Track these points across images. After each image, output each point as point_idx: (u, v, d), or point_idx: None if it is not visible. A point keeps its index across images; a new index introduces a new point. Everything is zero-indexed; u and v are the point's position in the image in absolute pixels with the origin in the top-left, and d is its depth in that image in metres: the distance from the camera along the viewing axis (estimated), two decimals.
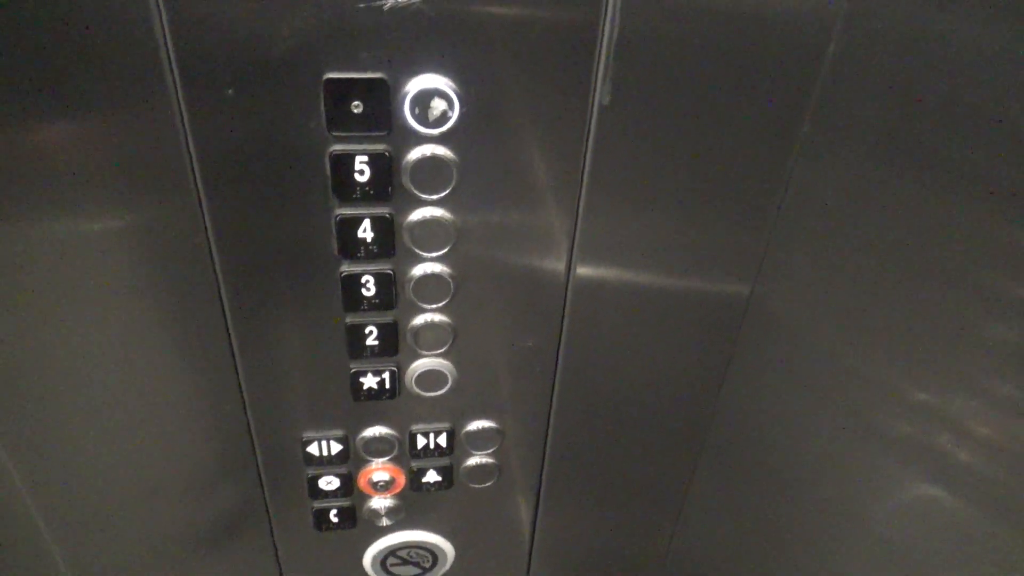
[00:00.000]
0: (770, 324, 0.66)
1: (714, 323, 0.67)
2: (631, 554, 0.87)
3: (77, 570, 0.72)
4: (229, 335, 0.59)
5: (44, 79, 0.44)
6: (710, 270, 0.63)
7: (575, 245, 0.58)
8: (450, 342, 0.62)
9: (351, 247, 0.55)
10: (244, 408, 0.64)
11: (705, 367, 0.70)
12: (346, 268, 0.56)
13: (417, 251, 0.56)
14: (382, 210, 0.53)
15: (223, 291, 0.56)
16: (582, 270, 0.60)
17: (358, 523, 0.75)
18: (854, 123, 0.52)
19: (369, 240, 0.55)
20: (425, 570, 0.81)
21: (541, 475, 0.75)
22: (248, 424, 0.65)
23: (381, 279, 0.57)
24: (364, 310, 0.58)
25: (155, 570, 0.75)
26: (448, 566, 0.81)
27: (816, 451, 0.69)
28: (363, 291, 0.57)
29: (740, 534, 0.81)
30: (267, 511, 0.72)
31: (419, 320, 0.60)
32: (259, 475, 0.69)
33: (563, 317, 0.63)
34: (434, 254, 0.56)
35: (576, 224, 0.57)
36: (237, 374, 0.61)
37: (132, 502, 0.68)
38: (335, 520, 0.73)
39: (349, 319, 0.59)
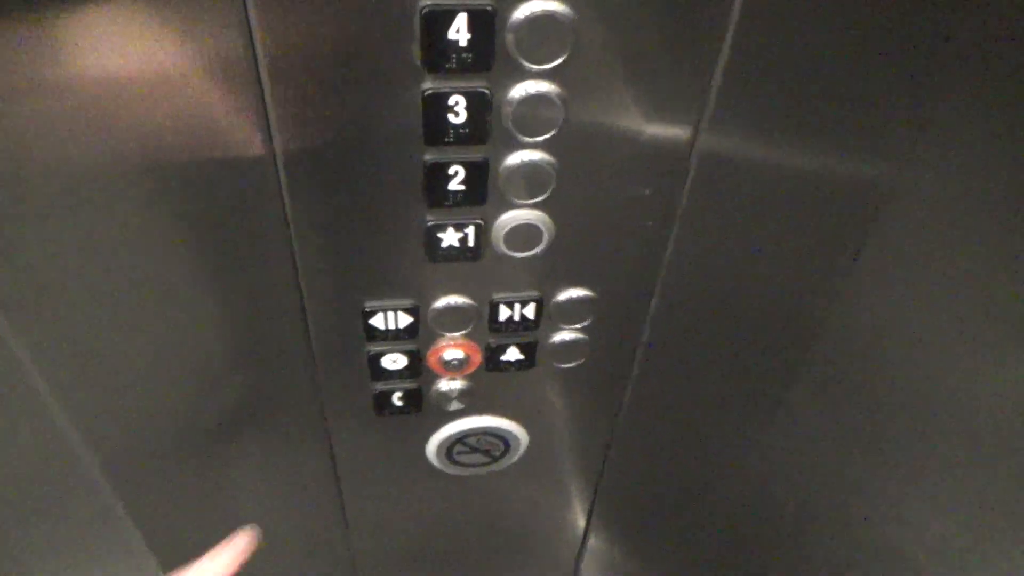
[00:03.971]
0: (908, 220, 0.54)
1: (845, 216, 0.54)
2: (719, 462, 0.78)
3: (116, 452, 0.63)
4: (278, 173, 0.46)
5: None
6: (851, 151, 0.50)
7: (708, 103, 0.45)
8: (549, 190, 0.49)
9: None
10: (295, 269, 0.52)
11: (827, 262, 0.58)
12: (430, 85, 0.43)
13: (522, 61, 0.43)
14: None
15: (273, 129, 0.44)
16: (709, 136, 0.47)
17: (424, 407, 0.65)
18: None
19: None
20: (494, 459, 0.72)
21: (634, 357, 0.65)
22: (299, 288, 0.53)
23: (474, 98, 0.44)
24: (448, 143, 0.46)
25: (195, 455, 0.66)
26: (519, 455, 0.73)
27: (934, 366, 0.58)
28: (449, 116, 0.44)
29: (840, 455, 0.72)
30: (318, 392, 0.62)
31: (514, 159, 0.47)
32: (310, 350, 0.58)
33: (688, 173, 0.50)
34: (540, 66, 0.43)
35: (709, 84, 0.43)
36: (288, 225, 0.49)
37: (164, 382, 0.58)
38: (398, 404, 0.63)
39: (430, 156, 0.46)
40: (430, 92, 0.43)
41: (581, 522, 0.88)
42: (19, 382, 0.55)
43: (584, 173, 0.50)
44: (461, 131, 0.45)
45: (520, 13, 0.41)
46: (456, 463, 0.72)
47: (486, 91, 0.44)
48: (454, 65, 0.42)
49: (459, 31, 0.41)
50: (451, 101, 0.44)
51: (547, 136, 0.46)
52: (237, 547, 0.54)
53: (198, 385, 0.59)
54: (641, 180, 0.51)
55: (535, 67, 0.43)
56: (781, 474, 0.78)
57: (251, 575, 0.60)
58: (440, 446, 0.69)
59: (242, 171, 0.46)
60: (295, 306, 0.54)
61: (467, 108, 0.44)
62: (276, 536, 0.83)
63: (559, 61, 0.43)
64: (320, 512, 0.78)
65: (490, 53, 0.42)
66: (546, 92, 0.44)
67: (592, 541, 0.92)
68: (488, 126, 0.45)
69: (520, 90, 0.44)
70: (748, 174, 0.51)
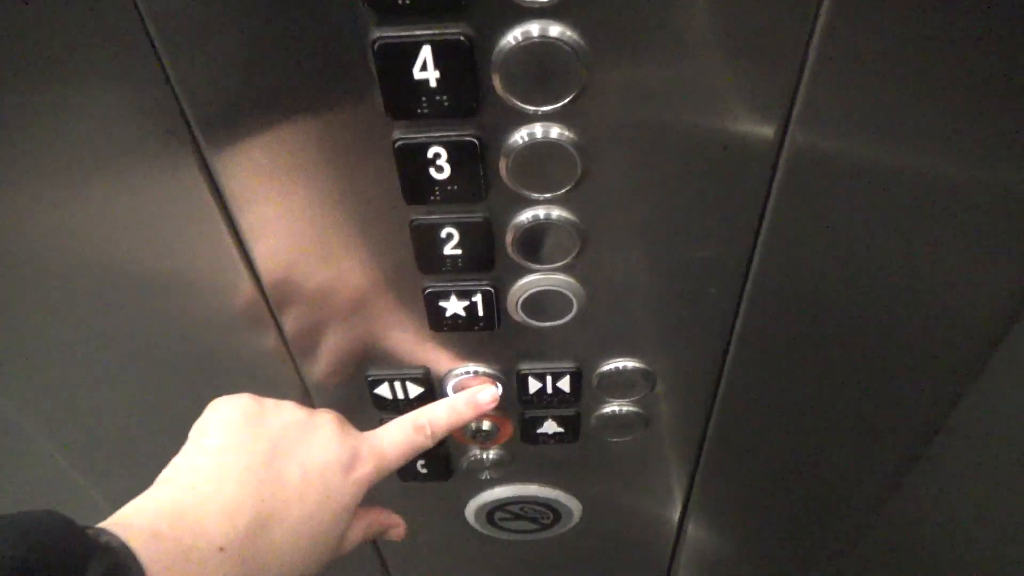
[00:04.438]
0: None
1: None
2: (818, 541, 0.65)
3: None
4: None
5: None
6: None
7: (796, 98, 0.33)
8: (574, 252, 0.39)
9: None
10: (283, 339, 0.45)
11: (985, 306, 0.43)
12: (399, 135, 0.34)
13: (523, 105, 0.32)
14: None
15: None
16: (801, 136, 0.34)
17: (454, 474, 0.57)
18: None
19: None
20: (544, 527, 0.63)
21: (706, 428, 0.53)
22: (292, 360, 0.46)
23: (460, 146, 0.34)
24: (434, 201, 0.36)
25: None
26: (573, 524, 0.63)
27: None
28: (432, 171, 0.35)
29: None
30: None
31: (525, 215, 0.37)
32: None
33: (765, 202, 0.38)
34: (553, 106, 0.32)
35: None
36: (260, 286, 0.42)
37: None
38: (423, 471, 0.55)
39: (416, 217, 0.37)
40: (401, 143, 0.34)
41: None
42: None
43: (617, 230, 0.39)
44: (449, 188, 0.36)
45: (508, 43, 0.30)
46: (500, 528, 0.63)
47: (474, 139, 0.34)
48: (426, 109, 0.32)
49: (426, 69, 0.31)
50: (430, 153, 0.34)
51: (564, 190, 0.36)
52: (483, 396, 0.47)
53: None
54: (700, 240, 0.39)
55: (533, 108, 0.33)
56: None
57: None
58: (479, 511, 0.61)
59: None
60: (292, 376, 0.47)
61: (451, 160, 0.34)
62: None
63: (565, 101, 0.32)
64: None
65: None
66: (555, 136, 0.34)
67: None
68: (482, 179, 0.35)
69: (522, 132, 0.34)
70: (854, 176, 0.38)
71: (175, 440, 0.49)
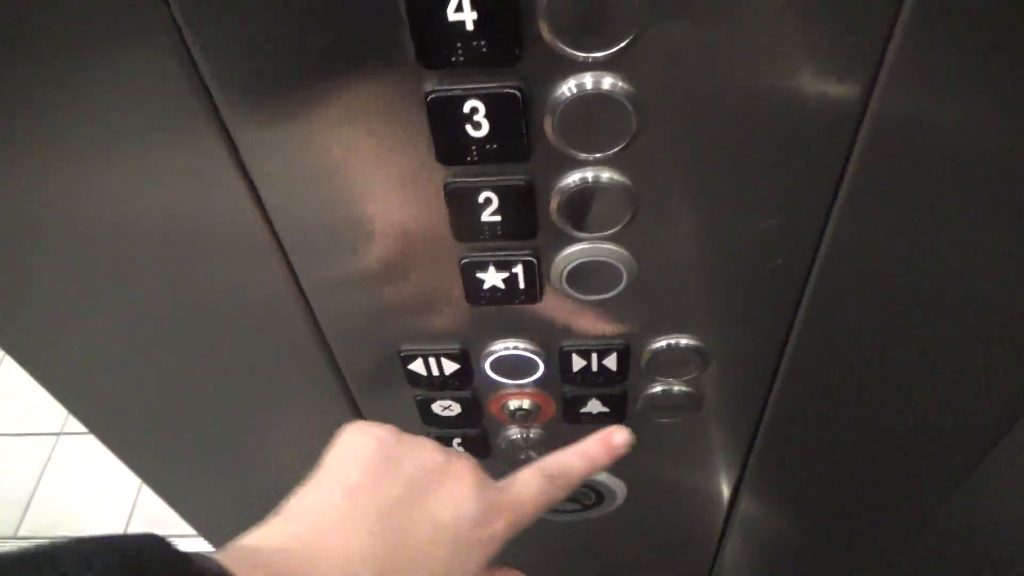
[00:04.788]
0: None
1: None
2: (874, 532, 0.61)
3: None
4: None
5: None
6: None
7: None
8: (630, 214, 0.35)
9: None
10: (311, 313, 0.42)
11: None
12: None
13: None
14: None
15: None
16: (888, 100, 0.29)
17: (493, 451, 0.54)
18: None
19: None
20: (587, 507, 0.60)
21: (762, 412, 0.49)
22: (320, 334, 0.44)
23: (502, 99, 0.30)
24: (471, 161, 0.33)
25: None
26: (617, 504, 0.60)
27: None
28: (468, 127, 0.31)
29: None
30: None
31: (572, 177, 0.34)
32: (348, 394, 0.49)
33: (843, 170, 0.33)
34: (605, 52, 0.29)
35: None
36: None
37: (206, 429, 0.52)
38: (459, 449, 0.53)
39: (450, 177, 0.34)
40: (435, 96, 0.30)
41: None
42: None
43: (673, 196, 0.35)
44: (487, 147, 0.32)
45: None
46: None
47: (516, 91, 0.30)
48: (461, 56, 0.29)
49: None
50: (467, 107, 0.31)
51: (616, 149, 0.32)
52: (618, 438, 0.44)
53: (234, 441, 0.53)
54: (766, 209, 0.35)
55: (584, 55, 0.29)
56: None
57: None
58: None
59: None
60: (319, 350, 0.45)
61: (490, 115, 0.31)
62: None
63: (619, 47, 0.28)
64: None
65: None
66: (607, 88, 0.30)
67: None
68: (524, 137, 0.32)
69: (570, 83, 0.30)
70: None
71: (197, 416, 0.47)
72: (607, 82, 0.30)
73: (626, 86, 0.30)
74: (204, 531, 0.69)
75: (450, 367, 0.45)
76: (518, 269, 0.38)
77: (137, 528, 1.89)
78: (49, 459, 2.15)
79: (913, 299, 0.39)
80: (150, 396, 0.51)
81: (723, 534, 0.66)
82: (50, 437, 2.19)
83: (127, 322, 0.44)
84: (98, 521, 1.98)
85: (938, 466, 0.54)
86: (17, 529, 2.00)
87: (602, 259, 0.37)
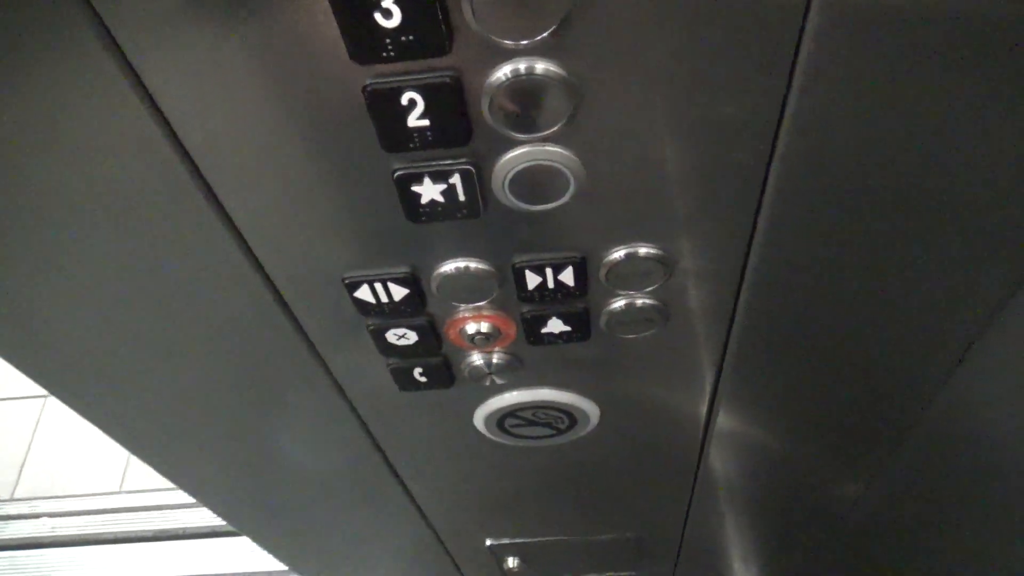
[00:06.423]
0: None
1: None
2: (858, 435, 0.60)
3: None
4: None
5: None
6: None
7: None
8: (571, 109, 0.32)
9: None
10: (244, 243, 0.39)
11: None
12: None
13: None
14: None
15: None
16: None
17: (457, 380, 0.52)
18: None
19: None
20: (560, 431, 0.59)
21: (732, 318, 0.47)
22: (259, 266, 0.41)
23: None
24: (388, 58, 0.29)
25: (212, 431, 0.59)
26: (591, 427, 0.59)
27: None
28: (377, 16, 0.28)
29: None
30: (325, 368, 0.51)
31: (503, 70, 0.30)
32: (297, 326, 0.46)
33: (797, 50, 0.30)
34: None
35: None
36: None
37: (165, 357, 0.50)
38: (421, 379, 0.51)
39: (371, 79, 0.31)
40: None
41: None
42: None
43: (620, 85, 0.32)
44: (403, 39, 0.29)
45: None
46: (513, 435, 0.59)
47: None
48: None
49: None
50: None
51: (546, 33, 0.29)
52: None
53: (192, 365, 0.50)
54: (726, 97, 0.32)
55: None
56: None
57: None
58: (488, 419, 0.57)
59: None
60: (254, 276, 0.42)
61: (402, 2, 0.27)
62: (365, 539, 0.78)
63: None
64: (389, 500, 0.70)
65: None
66: None
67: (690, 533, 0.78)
68: (442, 23, 0.28)
69: None
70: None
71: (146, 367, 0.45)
72: None
73: None
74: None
75: (399, 292, 0.42)
76: (455, 179, 0.35)
77: (132, 486, 1.90)
78: (39, 421, 2.15)
79: (881, 189, 0.37)
80: (111, 353, 0.48)
81: (702, 449, 0.65)
82: (38, 400, 2.18)
83: (79, 282, 0.41)
84: (94, 480, 1.98)
85: (916, 370, 0.53)
86: (13, 491, 2.01)
87: (545, 162, 0.34)
